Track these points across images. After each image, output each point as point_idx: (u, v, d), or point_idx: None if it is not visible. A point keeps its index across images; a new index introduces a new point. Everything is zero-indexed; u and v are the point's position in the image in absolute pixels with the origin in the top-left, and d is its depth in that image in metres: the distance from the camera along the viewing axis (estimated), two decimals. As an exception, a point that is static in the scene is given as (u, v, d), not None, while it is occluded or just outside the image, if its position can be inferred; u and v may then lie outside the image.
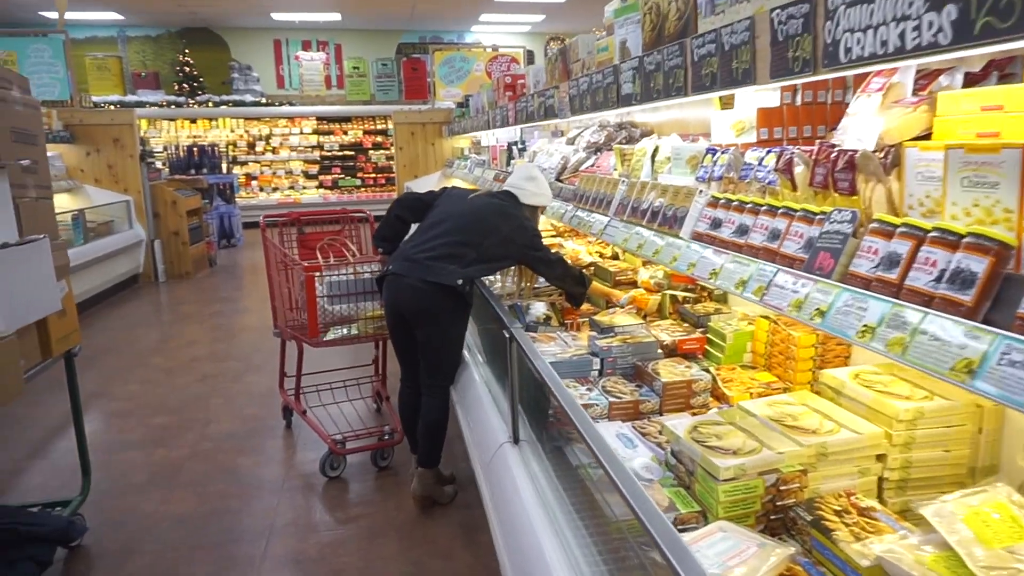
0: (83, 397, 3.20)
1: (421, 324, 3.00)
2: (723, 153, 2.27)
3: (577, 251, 3.98)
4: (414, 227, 3.27)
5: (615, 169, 3.54)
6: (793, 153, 1.78)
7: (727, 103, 3.04)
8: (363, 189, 14.99)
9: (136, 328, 6.68)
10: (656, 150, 2.98)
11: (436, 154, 10.01)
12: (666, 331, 2.64)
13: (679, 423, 1.73)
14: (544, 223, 5.52)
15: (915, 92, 1.69)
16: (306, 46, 15.19)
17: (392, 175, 14.40)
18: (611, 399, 2.15)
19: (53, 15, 11.39)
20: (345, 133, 15.00)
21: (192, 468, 3.69)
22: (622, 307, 3.23)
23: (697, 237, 2.09)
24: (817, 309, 1.45)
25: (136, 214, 8.68)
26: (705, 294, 3.08)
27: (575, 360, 2.31)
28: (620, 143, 4.23)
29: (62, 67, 8.41)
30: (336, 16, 13.87)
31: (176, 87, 14.26)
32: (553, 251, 3.19)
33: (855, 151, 1.57)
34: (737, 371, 2.36)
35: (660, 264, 2.22)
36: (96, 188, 8.56)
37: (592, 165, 4.06)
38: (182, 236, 9.05)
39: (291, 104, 14.69)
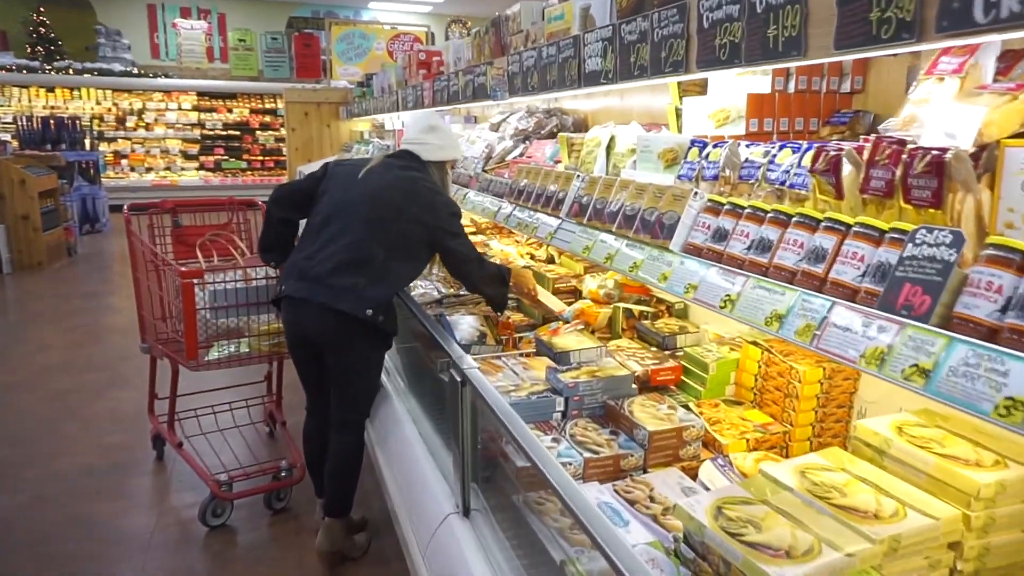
0: None
1: (331, 351, 2.46)
2: (716, 147, 1.87)
3: (506, 253, 3.52)
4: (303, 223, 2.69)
5: (554, 161, 3.11)
6: (841, 150, 1.39)
7: (689, 89, 2.67)
8: (249, 173, 13.86)
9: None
10: (612, 140, 2.57)
11: (332, 137, 9.25)
12: (632, 357, 2.23)
13: (696, 504, 1.31)
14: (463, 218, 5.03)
15: (996, 77, 1.34)
16: (185, 13, 13.83)
17: (283, 158, 13.37)
18: (586, 454, 1.70)
19: None
20: (230, 111, 13.79)
21: (32, 520, 2.95)
22: (566, 322, 2.80)
23: (693, 251, 1.68)
24: (915, 366, 1.06)
25: (-25, 195, 7.43)
26: (663, 308, 2.69)
27: (535, 401, 1.85)
28: (554, 131, 3.81)
29: None
30: (219, -18, 12.68)
31: (29, 50, 12.59)
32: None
33: (943, 149, 1.19)
34: (722, 409, 1.98)
35: (644, 283, 1.80)
36: (-78, 163, 7.24)
37: (521, 155, 3.61)
38: (33, 221, 7.86)
39: (167, 76, 13.33)
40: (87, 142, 10.98)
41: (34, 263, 7.94)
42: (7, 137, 10.80)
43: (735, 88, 2.25)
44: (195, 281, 2.59)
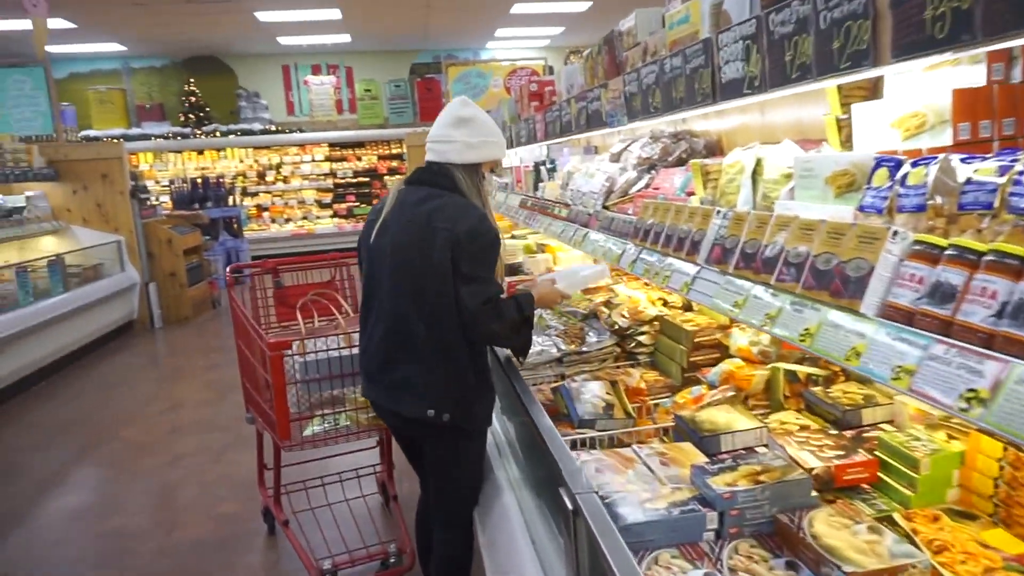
0: (28, 490, 2.34)
1: (421, 440, 2.14)
2: (918, 165, 1.35)
3: (635, 300, 3.06)
4: None
5: (685, 193, 2.63)
6: None
7: (851, 94, 2.14)
8: (379, 217, 14.19)
9: (116, 388, 5.86)
10: (759, 165, 2.07)
11: (453, 178, 9.18)
12: (806, 444, 1.70)
13: None
14: (581, 258, 4.62)
15: None
16: (315, 70, 14.54)
17: (409, 201, 13.58)
18: (756, 607, 1.22)
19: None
20: (359, 159, 14.26)
21: (138, 604, 2.81)
22: (712, 387, 2.30)
23: (899, 315, 1.17)
24: None
25: (128, 255, 7.93)
26: (838, 368, 2.13)
27: (678, 518, 1.39)
28: (683, 157, 3.33)
29: (44, 99, 7.75)
30: (346, 38, 13.19)
31: (182, 118, 13.65)
32: (496, 285, 2.11)
33: None
34: (946, 526, 1.42)
35: (826, 358, 1.31)
36: (84, 228, 7.83)
37: (646, 187, 3.15)
38: (179, 277, 8.29)
39: (301, 131, 14.01)
40: (231, 198, 11.65)
41: (181, 317, 8.35)
42: (165, 199, 11.71)
43: (924, 85, 1.71)
44: (285, 353, 2.35)
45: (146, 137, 13.06)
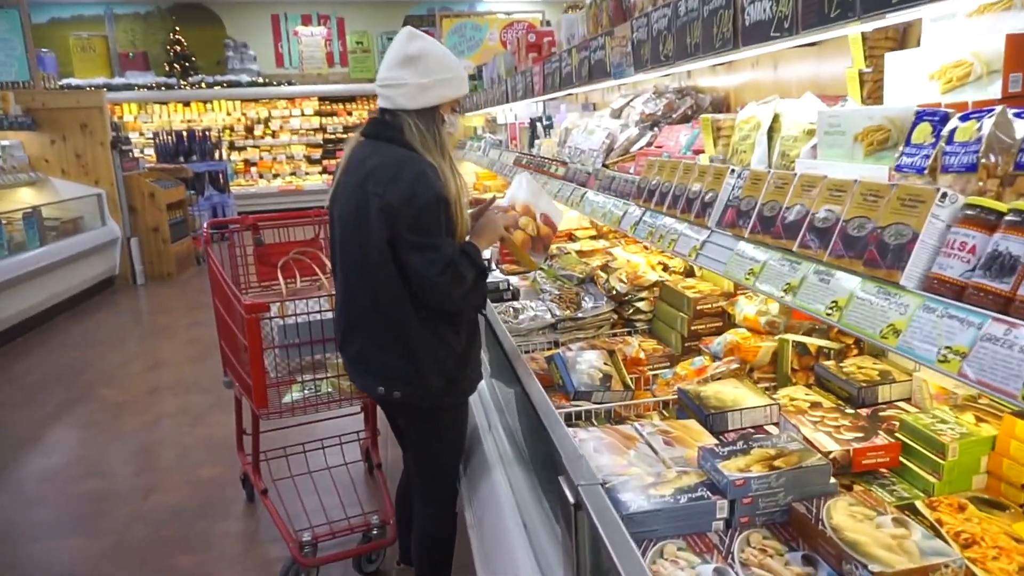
0: (3, 448, 2.20)
1: (394, 414, 2.02)
2: (968, 119, 1.20)
3: (634, 264, 2.91)
4: None
5: (692, 151, 2.47)
6: None
7: (878, 45, 1.97)
8: (370, 174, 13.91)
9: (96, 346, 5.70)
10: (776, 121, 1.91)
11: (446, 135, 8.93)
12: (821, 424, 1.57)
13: None
14: (578, 220, 4.45)
15: None
16: (306, 20, 14.08)
17: (400, 159, 13.30)
18: (772, 609, 1.10)
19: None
20: (349, 114, 13.92)
21: (110, 571, 2.70)
22: (715, 359, 2.17)
23: (946, 289, 1.03)
24: None
25: (110, 209, 7.70)
26: (850, 341, 2.00)
27: (685, 506, 1.26)
28: (688, 114, 3.16)
29: (20, 43, 7.42)
30: (336, -14, 12.76)
31: (167, 68, 13.23)
32: (449, 248, 1.85)
33: None
34: (973, 515, 1.30)
35: (859, 335, 1.17)
36: (63, 181, 7.58)
37: (648, 144, 2.98)
38: (162, 232, 8.07)
39: (291, 84, 13.63)
40: (217, 152, 11.34)
41: (164, 274, 8.16)
42: (150, 152, 11.39)
43: (968, 30, 1.55)
44: (262, 316, 2.19)
45: (130, 87, 12.66)
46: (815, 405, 1.76)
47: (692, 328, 2.43)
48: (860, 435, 1.49)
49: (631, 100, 3.48)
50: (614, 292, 2.70)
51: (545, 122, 4.67)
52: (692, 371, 2.13)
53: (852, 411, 1.63)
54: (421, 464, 2.08)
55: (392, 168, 1.84)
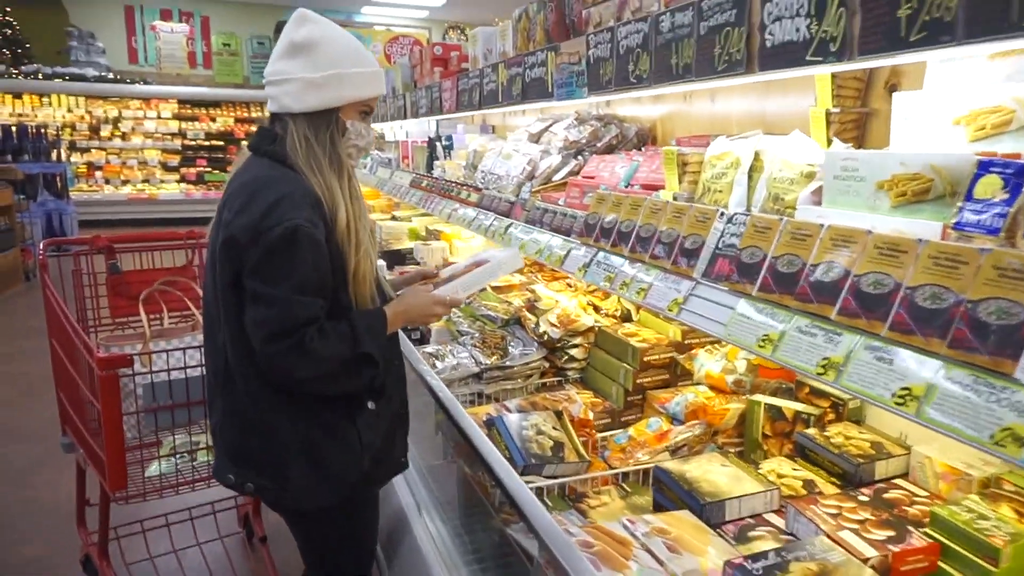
0: None
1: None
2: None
3: (562, 305, 2.63)
4: None
5: (627, 184, 2.23)
6: None
7: (847, 84, 1.85)
8: (234, 185, 12.90)
9: None
10: (757, 158, 1.70)
11: (324, 148, 8.35)
12: (839, 518, 1.34)
13: None
14: (482, 247, 4.14)
15: None
16: (166, 15, 12.91)
17: (269, 170, 12.45)
18: None
19: None
20: (213, 120, 12.87)
21: None
22: (675, 420, 1.92)
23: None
24: None
25: (-87, 213, 6.47)
26: (826, 405, 1.81)
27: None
28: (612, 143, 2.95)
29: None
30: (202, -18, 11.80)
31: (-6, 53, 11.63)
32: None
33: None
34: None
35: (948, 435, 0.93)
36: None
37: (572, 173, 2.74)
38: (-18, 243, 6.91)
39: (146, 82, 12.40)
40: (54, 152, 10.01)
41: (-17, 290, 6.98)
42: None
43: (989, 75, 1.40)
44: (122, 373, 1.69)
45: (-55, 72, 10.98)
46: (808, 484, 1.54)
47: (637, 381, 2.19)
48: (891, 533, 1.27)
49: (550, 125, 3.24)
50: (545, 337, 2.41)
51: (445, 142, 4.34)
52: (651, 436, 1.87)
53: (864, 497, 1.41)
54: (323, 566, 1.66)
55: (249, 191, 1.43)
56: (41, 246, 2.35)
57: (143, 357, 1.76)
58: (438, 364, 2.35)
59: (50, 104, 11.97)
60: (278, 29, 13.35)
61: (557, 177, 2.77)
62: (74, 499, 2.51)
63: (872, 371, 1.07)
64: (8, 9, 11.69)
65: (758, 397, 1.82)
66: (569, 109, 3.38)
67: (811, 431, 1.69)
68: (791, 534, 1.35)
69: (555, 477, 1.73)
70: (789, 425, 1.76)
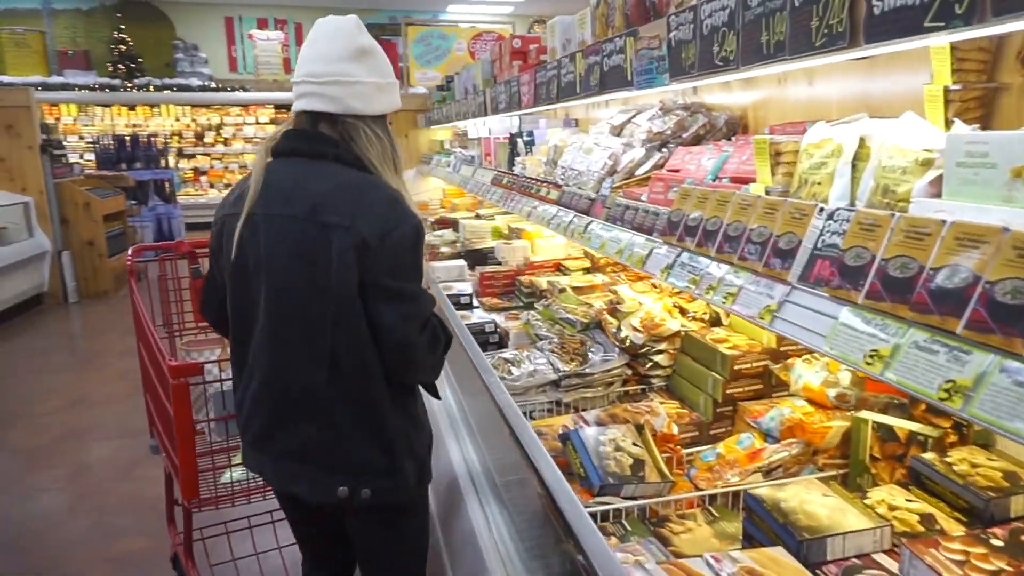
0: None
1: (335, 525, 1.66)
2: None
3: (639, 307, 2.47)
4: None
5: (714, 177, 2.05)
6: None
7: (969, 57, 1.62)
8: (327, 186, 13.31)
9: (11, 377, 5.02)
10: (862, 144, 1.51)
11: (411, 147, 8.45)
12: (965, 566, 1.15)
13: None
14: (565, 247, 4.02)
15: None
16: (262, 24, 13.44)
17: (360, 171, 12.76)
18: None
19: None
20: (306, 123, 13.28)
21: None
22: (767, 437, 1.75)
23: None
24: None
25: (38, 219, 6.97)
26: (948, 425, 1.59)
27: None
28: (700, 134, 2.77)
29: (-63, 35, 6.69)
30: (295, -10, 12.20)
31: (111, 68, 12.44)
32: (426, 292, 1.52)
33: None
34: None
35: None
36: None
37: (656, 167, 2.58)
38: (98, 246, 7.37)
39: (245, 89, 12.95)
40: (163, 160, 10.61)
41: (100, 291, 7.45)
42: (91, 157, 10.60)
43: None
44: (191, 381, 1.68)
45: (69, 87, 11.82)
46: (927, 519, 1.35)
47: (727, 391, 2.01)
48: (1032, 588, 1.08)
49: (633, 116, 3.07)
50: (628, 343, 2.27)
51: (526, 138, 4.24)
52: (742, 454, 1.70)
53: (998, 541, 1.21)
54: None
55: (354, 193, 1.42)
56: (129, 252, 2.42)
57: (217, 364, 1.75)
58: (514, 371, 2.26)
59: (159, 114, 12.69)
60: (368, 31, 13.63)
61: (640, 171, 2.62)
62: (165, 498, 2.58)
63: (1012, 399, 0.89)
64: (122, 27, 12.48)
65: (865, 414, 1.63)
66: (653, 99, 3.20)
67: (929, 456, 1.48)
68: (907, 580, 1.17)
69: (635, 498, 1.60)
70: (902, 447, 1.56)
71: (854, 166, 1.50)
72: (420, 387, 1.64)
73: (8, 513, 3.14)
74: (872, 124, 1.52)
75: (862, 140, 1.50)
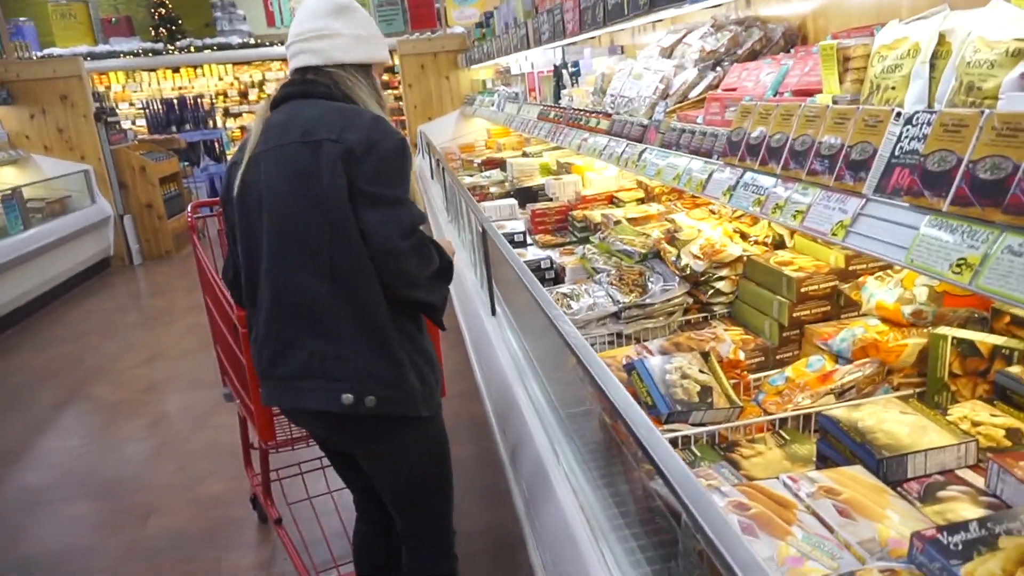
0: None
1: (355, 453, 1.69)
2: None
3: (698, 234, 2.40)
4: None
5: (774, 93, 1.95)
6: None
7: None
8: (372, 136, 13.32)
9: (90, 335, 5.27)
10: (942, 41, 1.40)
11: (452, 90, 8.35)
12: (1061, 477, 1.11)
13: None
14: (616, 179, 3.94)
15: None
16: (296, -25, 13.28)
17: (402, 118, 12.71)
18: None
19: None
20: (347, 73, 13.23)
21: (104, 623, 2.30)
22: (841, 359, 1.69)
23: None
24: None
25: (99, 185, 7.20)
26: (1033, 336, 1.52)
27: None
28: (756, 49, 2.64)
29: (-13, 9, 6.84)
30: (326, -64, 11.95)
31: (152, 32, 12.55)
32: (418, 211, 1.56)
33: None
34: None
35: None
36: (46, 157, 7.07)
37: (711, 87, 2.47)
38: (157, 208, 7.58)
39: (283, 44, 12.90)
40: (211, 120, 10.75)
41: (162, 252, 7.69)
42: (142, 123, 10.82)
43: None
44: (257, 326, 1.72)
45: (115, 55, 11.98)
46: (1014, 434, 1.29)
47: (794, 315, 1.96)
48: None
49: (684, 36, 2.94)
50: (688, 271, 2.22)
51: (571, 69, 4.12)
52: (813, 376, 1.66)
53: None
54: (405, 496, 1.69)
55: (340, 114, 1.54)
56: (189, 209, 2.46)
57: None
58: (573, 305, 2.25)
59: (203, 74, 12.80)
60: (401, -26, 13.36)
61: (694, 93, 2.51)
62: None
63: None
64: (160, -11, 12.52)
65: (944, 330, 1.56)
66: (705, 16, 3.06)
67: (1015, 369, 1.42)
68: (995, 496, 1.13)
69: (703, 425, 1.59)
70: (985, 362, 1.49)
71: (933, 65, 1.40)
72: (425, 316, 1.67)
73: (102, 461, 3.33)
74: (954, 16, 1.40)
75: (942, 36, 1.40)
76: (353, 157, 1.47)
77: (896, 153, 1.23)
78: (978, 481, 1.19)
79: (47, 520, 2.89)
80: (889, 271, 1.86)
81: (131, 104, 12.14)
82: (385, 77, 13.22)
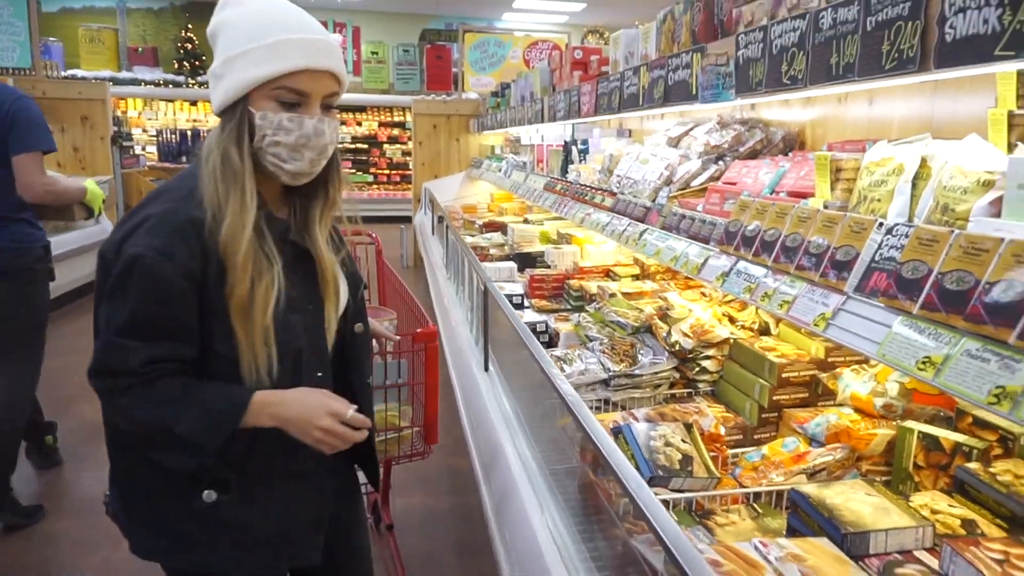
0: None
1: None
2: None
3: (689, 313, 2.55)
4: None
5: (771, 191, 2.12)
6: None
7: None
8: (375, 186, 13.60)
9: (81, 352, 5.26)
10: (924, 164, 1.57)
11: (461, 152, 8.62)
12: (1006, 564, 1.22)
13: None
14: (614, 254, 4.11)
15: None
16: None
17: (408, 172, 13.00)
18: None
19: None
20: (359, 124, 13.62)
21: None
22: (815, 442, 1.81)
23: None
24: None
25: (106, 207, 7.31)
26: (994, 438, 1.64)
27: None
28: (757, 149, 2.84)
29: (24, 29, 7.08)
30: (355, -6, 12.52)
31: (176, 65, 12.93)
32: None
33: None
34: None
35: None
36: (57, 174, 7.18)
37: (711, 179, 2.65)
38: (159, 234, 7.67)
39: (302, 90, 13.29)
40: (222, 154, 10.93)
41: (158, 277, 7.75)
42: (152, 150, 11.04)
43: None
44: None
45: (136, 82, 12.31)
46: (968, 524, 1.40)
47: (774, 398, 2.08)
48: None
49: (691, 129, 3.15)
50: (677, 347, 2.34)
51: (580, 146, 4.34)
52: (787, 456, 1.77)
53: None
54: None
55: (138, 203, 1.34)
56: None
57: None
58: (566, 368, 2.36)
59: (220, 110, 13.11)
60: (423, 37, 13.92)
61: (696, 183, 2.70)
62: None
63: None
64: (189, 26, 12.97)
65: (911, 424, 1.68)
66: (711, 113, 3.28)
67: (974, 466, 1.54)
68: (946, 576, 1.23)
69: (682, 491, 1.68)
70: (947, 457, 1.61)
71: (914, 184, 1.57)
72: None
73: (75, 481, 3.34)
74: (935, 145, 1.58)
75: (924, 160, 1.57)
76: (103, 261, 1.28)
77: (876, 258, 1.38)
78: (933, 563, 1.29)
79: (17, 537, 2.89)
80: (865, 365, 2.00)
81: (144, 131, 12.39)
82: (395, 132, 13.61)
